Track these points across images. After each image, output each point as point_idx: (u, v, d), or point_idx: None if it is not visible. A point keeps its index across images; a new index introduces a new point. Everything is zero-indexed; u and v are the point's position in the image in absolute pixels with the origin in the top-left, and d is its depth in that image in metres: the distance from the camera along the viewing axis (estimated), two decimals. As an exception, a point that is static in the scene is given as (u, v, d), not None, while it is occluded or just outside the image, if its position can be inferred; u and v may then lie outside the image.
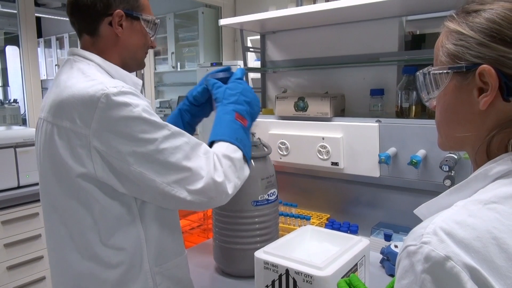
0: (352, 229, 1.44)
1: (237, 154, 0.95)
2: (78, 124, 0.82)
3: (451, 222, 0.48)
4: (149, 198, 0.89)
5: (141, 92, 1.05)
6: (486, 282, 0.44)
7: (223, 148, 0.94)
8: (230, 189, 0.91)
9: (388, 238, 1.36)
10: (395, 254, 1.22)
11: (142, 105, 0.84)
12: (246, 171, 0.99)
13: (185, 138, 0.88)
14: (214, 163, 0.89)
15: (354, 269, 1.04)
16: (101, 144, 0.82)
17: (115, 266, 0.90)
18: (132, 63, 1.01)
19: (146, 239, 0.93)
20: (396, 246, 1.25)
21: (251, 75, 2.14)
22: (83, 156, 0.83)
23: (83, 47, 0.97)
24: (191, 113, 1.17)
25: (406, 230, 1.37)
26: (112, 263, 0.90)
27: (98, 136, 0.81)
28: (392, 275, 1.22)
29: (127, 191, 0.87)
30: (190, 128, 1.17)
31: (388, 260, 1.25)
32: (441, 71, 0.59)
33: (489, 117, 0.55)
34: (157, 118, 0.86)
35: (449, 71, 0.58)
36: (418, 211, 0.63)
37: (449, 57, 0.58)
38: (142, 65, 1.05)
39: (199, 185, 0.86)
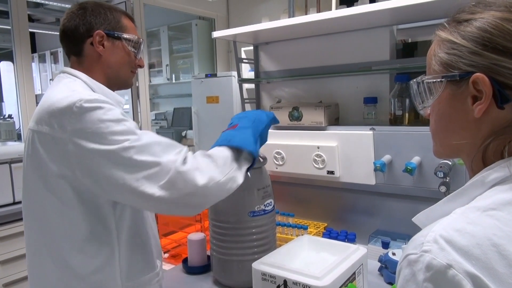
0: (349, 238, 1.44)
1: (222, 152, 0.96)
2: (56, 129, 0.87)
3: (451, 230, 0.49)
4: (122, 198, 0.90)
5: (128, 109, 1.09)
6: None
7: (208, 151, 0.96)
8: (202, 180, 0.87)
9: (385, 245, 1.36)
10: (393, 262, 1.22)
11: (115, 110, 0.89)
12: (238, 174, 0.96)
13: (157, 138, 0.89)
14: (184, 158, 0.88)
15: (352, 278, 1.04)
16: (75, 147, 0.86)
17: (86, 277, 0.92)
18: (116, 82, 1.06)
19: (119, 252, 0.96)
20: (394, 254, 1.25)
21: (246, 85, 2.15)
22: (61, 159, 0.88)
23: (71, 67, 1.04)
24: None
25: (403, 237, 1.37)
26: (83, 273, 0.92)
27: (73, 140, 0.86)
28: (391, 283, 1.22)
29: (103, 192, 0.89)
30: None
31: (386, 268, 1.25)
32: (434, 80, 0.60)
33: (484, 124, 0.56)
34: (129, 122, 0.89)
35: (442, 79, 0.58)
36: (416, 219, 0.63)
37: (442, 65, 0.59)
38: (128, 84, 1.10)
39: (166, 178, 0.85)
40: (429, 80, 0.61)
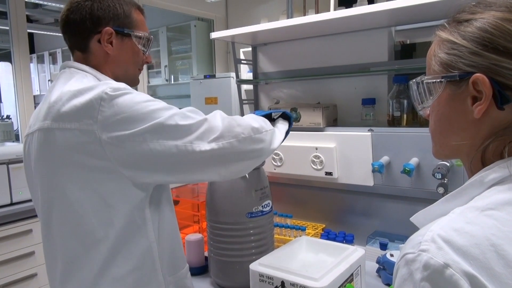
0: (347, 239, 1.43)
1: (257, 116, 1.00)
2: (84, 122, 0.80)
3: (449, 229, 0.48)
4: (172, 174, 0.86)
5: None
6: None
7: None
8: (256, 124, 0.93)
9: (383, 247, 1.36)
10: (391, 263, 1.22)
11: (143, 93, 0.87)
12: (277, 134, 1.01)
13: (189, 107, 0.89)
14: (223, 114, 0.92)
15: (350, 279, 1.04)
16: (111, 134, 0.80)
17: (124, 278, 0.87)
18: (124, 80, 0.97)
19: (158, 247, 0.91)
20: (392, 255, 1.25)
21: (244, 86, 2.15)
22: (95, 152, 0.81)
23: (76, 61, 0.96)
24: None
25: (401, 238, 1.37)
26: (122, 274, 0.86)
27: (107, 129, 0.80)
28: (389, 284, 1.22)
29: (146, 177, 0.85)
30: None
31: (384, 269, 1.24)
32: (434, 80, 0.59)
33: (484, 125, 0.56)
34: (159, 100, 0.87)
35: (442, 80, 0.58)
36: (414, 219, 0.63)
37: (442, 66, 0.59)
38: (135, 82, 1.04)
39: (220, 129, 0.86)
40: (429, 81, 0.60)
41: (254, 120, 0.95)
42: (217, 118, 0.89)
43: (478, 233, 0.47)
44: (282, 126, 1.08)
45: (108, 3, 0.93)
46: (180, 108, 0.87)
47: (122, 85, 0.85)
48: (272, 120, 1.10)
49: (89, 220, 0.84)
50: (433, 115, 0.63)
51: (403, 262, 0.50)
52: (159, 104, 0.85)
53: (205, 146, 0.83)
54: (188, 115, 0.85)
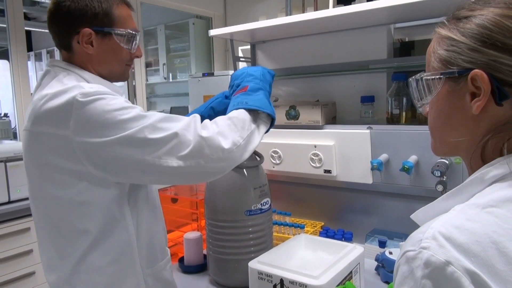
0: (346, 237, 1.43)
1: (241, 115, 0.95)
2: (57, 126, 0.82)
3: (450, 227, 0.48)
4: (147, 180, 0.89)
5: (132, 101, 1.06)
6: (487, 286, 0.44)
7: (227, 115, 0.95)
8: (227, 144, 0.88)
9: (382, 245, 1.36)
10: (390, 261, 1.22)
11: (118, 99, 0.85)
12: (256, 136, 0.97)
13: (166, 114, 0.87)
14: (201, 124, 0.88)
15: (349, 277, 1.04)
16: (83, 142, 0.82)
17: (104, 268, 0.90)
18: (110, 77, 0.99)
19: (137, 239, 0.94)
20: (390, 253, 1.24)
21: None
22: (70, 156, 0.83)
23: (63, 60, 0.97)
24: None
25: (400, 236, 1.37)
26: (100, 265, 0.90)
27: (78, 134, 0.82)
28: (388, 282, 1.22)
29: (119, 179, 0.87)
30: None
31: (383, 267, 1.24)
32: (433, 77, 0.59)
33: (483, 121, 0.56)
34: (134, 108, 0.85)
35: (441, 76, 0.58)
36: (414, 216, 0.63)
37: (441, 62, 0.59)
38: (123, 78, 1.03)
39: (189, 147, 0.84)
40: (428, 77, 0.60)
41: (229, 133, 0.90)
42: (190, 132, 0.86)
43: (479, 230, 0.47)
44: (263, 127, 1.02)
45: (86, 2, 0.90)
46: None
47: (94, 88, 0.84)
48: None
49: (69, 215, 0.88)
50: (432, 112, 0.63)
51: (403, 260, 0.50)
52: (131, 113, 0.84)
53: (172, 162, 0.84)
54: (159, 127, 0.84)
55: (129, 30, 0.96)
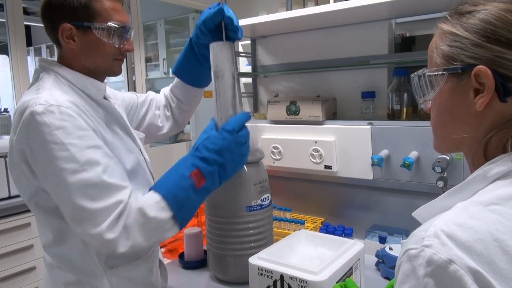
0: (346, 232, 1.43)
1: (162, 214, 0.87)
2: (18, 136, 0.86)
3: (452, 225, 0.48)
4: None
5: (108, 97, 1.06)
6: (490, 285, 0.44)
7: (149, 202, 0.87)
8: (123, 247, 0.83)
9: (382, 240, 1.35)
10: (390, 257, 1.22)
11: (66, 127, 0.82)
12: (168, 234, 0.90)
13: (98, 178, 0.82)
14: (118, 214, 0.83)
15: (349, 272, 1.04)
16: (29, 156, 0.86)
17: (68, 267, 0.95)
18: (97, 72, 0.97)
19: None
20: (391, 249, 1.24)
21: (243, 80, 2.13)
22: (28, 162, 0.87)
23: (57, 56, 0.99)
24: (204, 44, 1.06)
25: (400, 232, 1.37)
26: (71, 256, 0.94)
27: (19, 148, 0.86)
28: (388, 278, 1.22)
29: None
30: (206, 61, 1.09)
31: (383, 262, 1.24)
32: (436, 73, 0.59)
33: (486, 118, 0.55)
34: (78, 144, 0.82)
35: (444, 72, 0.57)
36: (416, 214, 0.62)
37: (444, 58, 0.58)
38: (112, 72, 1.00)
39: (91, 231, 0.82)
40: (431, 73, 0.60)
41: (135, 239, 0.85)
42: (106, 223, 0.83)
43: (481, 228, 0.47)
44: (199, 200, 0.93)
45: None
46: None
47: (52, 106, 0.82)
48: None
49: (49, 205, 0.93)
50: (435, 109, 0.62)
51: (405, 258, 0.49)
52: (66, 153, 0.81)
53: (78, 229, 0.85)
54: (82, 191, 0.82)
55: (110, 24, 0.91)
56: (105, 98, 1.02)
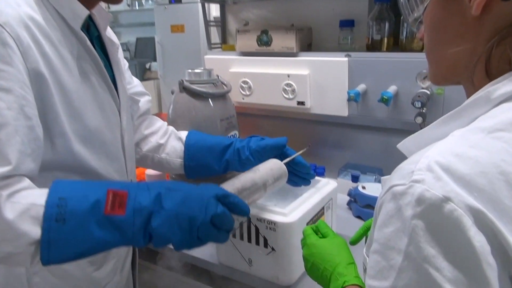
0: (318, 171, 1.38)
1: (22, 220, 0.57)
2: None
3: (449, 155, 0.39)
4: None
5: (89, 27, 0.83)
6: (493, 226, 0.36)
7: (28, 198, 0.59)
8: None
9: (355, 179, 1.31)
10: (362, 196, 1.17)
11: None
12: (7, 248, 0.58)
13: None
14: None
15: (320, 213, 0.98)
16: None
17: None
18: None
19: None
20: (363, 187, 1.20)
21: (213, 11, 1.94)
22: None
23: None
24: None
25: (374, 171, 1.32)
26: None
27: None
28: (359, 217, 1.18)
29: None
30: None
31: (356, 202, 1.20)
32: None
33: (485, 25, 0.45)
34: None
35: None
36: (402, 146, 0.53)
37: None
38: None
39: None
40: None
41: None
42: None
43: (484, 159, 0.38)
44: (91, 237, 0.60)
45: None
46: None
47: None
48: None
49: None
50: (427, 29, 0.52)
51: (389, 196, 0.41)
52: None
53: None
54: None
55: None
56: (98, 34, 0.82)
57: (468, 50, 0.47)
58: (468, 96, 0.48)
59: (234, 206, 0.66)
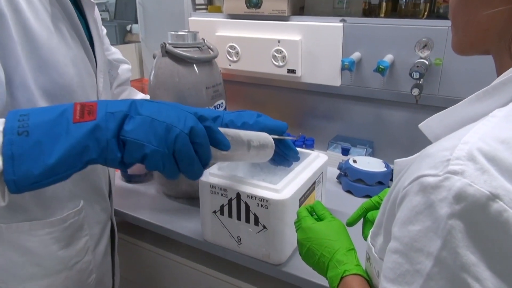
0: (307, 143, 1.32)
1: None
2: None
3: (494, 141, 0.32)
4: None
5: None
6: None
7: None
8: None
9: (345, 152, 1.26)
10: (353, 170, 1.13)
11: None
12: None
13: None
14: None
15: (311, 188, 0.93)
16: None
17: None
18: None
19: None
20: (355, 161, 1.15)
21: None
22: None
23: None
24: None
25: (364, 143, 1.28)
26: None
27: None
28: (350, 192, 1.14)
29: None
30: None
31: (346, 175, 1.16)
32: None
33: None
34: None
35: None
36: (425, 126, 0.45)
37: None
38: None
39: None
40: None
41: None
42: None
43: None
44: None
45: None
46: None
47: None
48: None
49: None
50: None
51: (416, 187, 0.34)
52: None
53: None
54: None
55: None
56: None
57: (507, 11, 0.40)
58: (501, 68, 0.41)
59: (212, 132, 0.58)
